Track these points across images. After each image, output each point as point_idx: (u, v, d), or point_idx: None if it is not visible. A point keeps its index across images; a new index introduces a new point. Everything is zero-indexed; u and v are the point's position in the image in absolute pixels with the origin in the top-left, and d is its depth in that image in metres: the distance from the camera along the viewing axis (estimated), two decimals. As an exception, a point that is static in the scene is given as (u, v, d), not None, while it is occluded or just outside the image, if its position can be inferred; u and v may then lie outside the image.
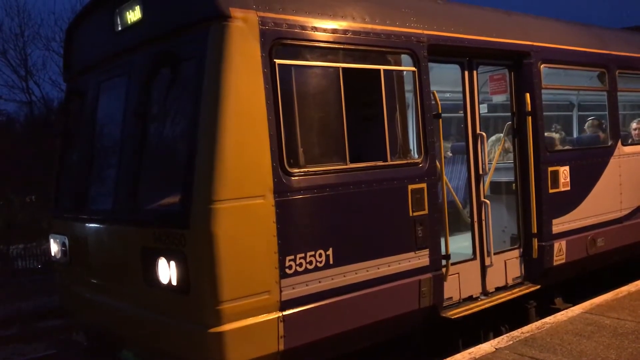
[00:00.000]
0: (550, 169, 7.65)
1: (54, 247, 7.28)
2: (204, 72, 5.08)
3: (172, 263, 5.13)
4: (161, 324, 5.41)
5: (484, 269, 7.20)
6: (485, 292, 7.20)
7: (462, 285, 6.92)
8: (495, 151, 8.16)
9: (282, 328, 5.18)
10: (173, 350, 5.34)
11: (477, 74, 7.24)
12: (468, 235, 7.31)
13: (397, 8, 6.39)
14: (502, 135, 8.25)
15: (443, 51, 6.73)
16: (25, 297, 14.98)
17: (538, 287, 7.55)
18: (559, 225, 7.76)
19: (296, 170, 5.36)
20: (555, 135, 9.33)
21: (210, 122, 4.96)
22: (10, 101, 25.28)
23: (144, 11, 5.92)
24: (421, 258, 6.24)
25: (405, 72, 6.41)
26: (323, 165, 5.62)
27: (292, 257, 5.26)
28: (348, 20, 5.83)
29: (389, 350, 6.49)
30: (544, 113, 7.74)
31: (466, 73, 7.15)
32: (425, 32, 6.44)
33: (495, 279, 7.32)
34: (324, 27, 5.64)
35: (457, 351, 6.51)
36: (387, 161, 6.03)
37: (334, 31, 5.71)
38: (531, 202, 7.46)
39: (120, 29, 6.25)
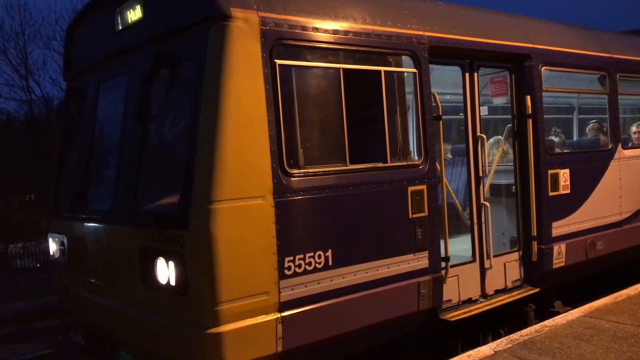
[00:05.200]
0: (550, 171, 7.64)
1: (53, 247, 7.26)
2: (204, 72, 5.07)
3: (171, 263, 5.11)
4: (159, 325, 5.39)
5: (483, 271, 7.19)
6: (484, 295, 7.19)
7: (461, 288, 6.90)
8: (494, 153, 8.15)
9: (281, 329, 5.16)
10: (171, 351, 5.32)
11: (477, 76, 7.23)
12: (468, 237, 7.30)
13: (398, 9, 6.38)
14: (501, 137, 8.24)
15: (444, 53, 6.72)
16: (23, 296, 14.98)
17: (537, 290, 7.54)
18: (559, 228, 7.75)
19: (296, 171, 5.35)
20: (556, 138, 9.32)
21: (210, 122, 4.95)
22: (10, 100, 25.35)
23: (144, 11, 5.91)
24: (420, 260, 6.23)
25: (405, 74, 6.40)
26: (323, 166, 5.61)
27: (291, 258, 5.24)
28: (349, 21, 5.82)
29: (387, 352, 6.47)
30: (545, 116, 7.73)
31: (467, 75, 7.15)
32: (426, 33, 6.43)
33: (494, 282, 7.31)
34: (325, 28, 5.63)
35: (456, 354, 6.51)
36: (387, 163, 6.02)
37: (335, 32, 5.70)
38: (531, 204, 7.45)
39: (120, 28, 6.24)
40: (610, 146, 8.84)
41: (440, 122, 6.51)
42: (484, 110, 8.00)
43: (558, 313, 7.60)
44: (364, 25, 5.92)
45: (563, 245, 7.78)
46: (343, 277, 5.62)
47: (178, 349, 5.21)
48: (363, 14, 5.96)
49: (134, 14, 6.02)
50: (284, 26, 5.36)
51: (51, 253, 7.37)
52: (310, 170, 5.48)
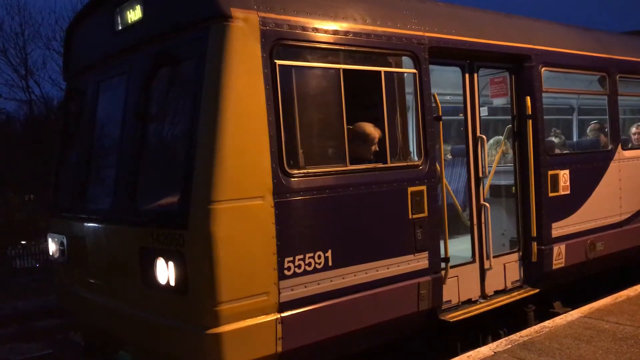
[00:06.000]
0: (550, 172, 7.63)
1: (52, 247, 7.26)
2: (204, 71, 5.06)
3: (171, 263, 5.11)
4: (159, 325, 5.38)
5: (483, 272, 7.19)
6: (484, 296, 7.19)
7: (461, 289, 6.90)
8: (493, 154, 8.15)
9: (280, 330, 5.16)
10: (170, 351, 5.32)
11: (477, 76, 7.23)
12: (467, 238, 7.29)
13: (398, 10, 6.38)
14: (501, 137, 8.23)
15: (444, 53, 6.72)
16: (23, 296, 14.99)
17: (537, 290, 7.53)
18: (559, 229, 7.75)
19: (296, 171, 5.34)
20: (556, 139, 9.32)
21: (210, 122, 4.94)
22: (10, 100, 25.36)
23: (144, 10, 5.90)
24: (420, 261, 6.23)
25: (405, 74, 6.40)
26: (323, 166, 5.60)
27: (291, 258, 5.24)
28: (349, 22, 5.82)
29: (387, 353, 6.46)
30: (545, 116, 7.73)
31: (467, 76, 7.14)
32: (426, 34, 6.43)
33: (494, 283, 7.30)
34: (325, 28, 5.63)
35: (456, 354, 6.50)
36: (387, 163, 6.02)
37: (335, 32, 5.70)
38: (531, 205, 7.44)
39: (120, 28, 6.24)
40: (610, 147, 8.84)
41: (440, 122, 6.50)
42: (483, 111, 8.00)
43: (558, 314, 7.60)
44: (364, 25, 5.92)
45: (563, 246, 7.78)
46: (343, 278, 5.61)
47: (177, 348, 5.21)
48: (363, 15, 5.95)
49: (134, 14, 6.01)
50: (284, 26, 5.35)
51: (51, 253, 7.36)
52: (310, 170, 5.47)
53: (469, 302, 7.01)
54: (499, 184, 8.10)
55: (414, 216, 6.16)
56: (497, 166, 7.76)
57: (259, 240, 5.06)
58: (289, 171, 5.28)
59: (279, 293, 5.16)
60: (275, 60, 5.27)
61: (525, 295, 7.42)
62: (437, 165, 6.47)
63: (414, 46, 6.30)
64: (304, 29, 5.49)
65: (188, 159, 5.07)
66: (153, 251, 5.30)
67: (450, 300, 6.77)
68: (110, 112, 6.47)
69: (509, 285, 7.49)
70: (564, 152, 9.00)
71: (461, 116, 7.40)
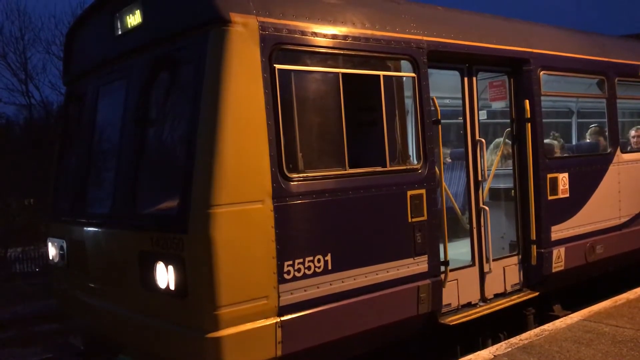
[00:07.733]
0: (549, 175, 7.64)
1: (52, 251, 7.26)
2: (204, 76, 5.08)
3: (170, 267, 5.11)
4: (158, 329, 5.39)
5: (482, 275, 7.19)
6: (483, 299, 7.19)
7: (460, 292, 6.90)
8: (492, 159, 8.16)
9: (280, 334, 5.16)
10: (170, 355, 5.32)
11: (476, 80, 7.25)
12: (467, 241, 7.30)
13: (397, 14, 6.40)
14: (500, 140, 8.25)
15: (443, 57, 6.73)
16: (22, 300, 14.95)
17: (537, 294, 7.53)
18: (558, 232, 7.76)
19: (295, 175, 5.35)
20: (555, 142, 9.33)
21: (209, 126, 4.95)
22: (9, 104, 25.33)
23: (144, 15, 5.92)
24: (420, 264, 6.23)
25: (404, 78, 6.42)
26: (322, 170, 5.61)
27: (291, 262, 5.24)
28: (348, 26, 5.84)
29: (386, 356, 6.46)
30: (543, 120, 7.74)
31: (466, 79, 7.16)
32: (425, 38, 6.45)
33: (493, 286, 7.31)
34: (324, 33, 5.65)
35: (456, 358, 6.51)
36: (386, 167, 6.03)
37: (334, 37, 5.72)
38: (530, 208, 7.46)
39: (120, 32, 6.25)
40: (609, 150, 8.85)
41: (439, 126, 6.52)
42: (482, 115, 8.01)
43: (557, 317, 7.60)
44: (362, 30, 5.93)
45: (562, 249, 7.78)
46: (342, 281, 5.62)
47: (177, 352, 5.21)
48: (362, 19, 5.97)
49: (134, 19, 6.03)
50: (283, 31, 5.37)
51: (50, 257, 7.36)
52: (309, 174, 5.48)
53: (469, 305, 7.01)
54: (498, 187, 8.11)
55: (414, 220, 6.16)
56: (496, 169, 7.77)
57: (258, 244, 5.06)
58: (289, 175, 5.29)
59: (279, 297, 5.16)
60: (275, 65, 5.28)
61: (525, 298, 7.42)
62: (437, 169, 6.48)
63: (412, 50, 6.32)
64: (303, 33, 5.51)
65: (187, 163, 5.08)
66: (153, 255, 5.30)
67: (450, 304, 6.77)
68: (110, 117, 6.48)
69: (509, 289, 7.49)
70: (563, 155, 9.01)
71: (460, 120, 7.42)
